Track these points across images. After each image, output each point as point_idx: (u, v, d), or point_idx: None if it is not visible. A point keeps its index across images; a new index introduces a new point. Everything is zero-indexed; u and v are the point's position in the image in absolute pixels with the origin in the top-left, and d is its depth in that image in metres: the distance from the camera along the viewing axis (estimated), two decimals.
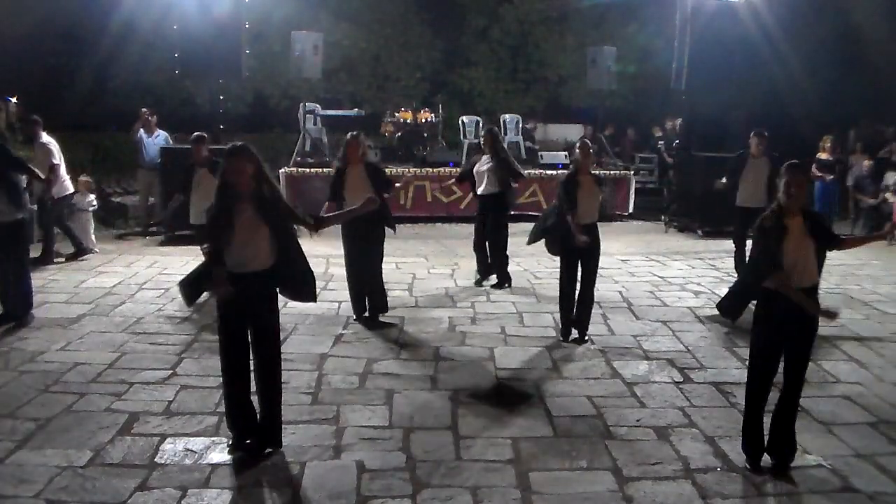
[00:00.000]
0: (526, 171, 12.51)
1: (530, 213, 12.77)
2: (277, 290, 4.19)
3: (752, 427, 4.20)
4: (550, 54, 18.45)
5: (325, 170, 11.43)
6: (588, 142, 6.44)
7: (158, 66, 15.46)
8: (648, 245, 10.93)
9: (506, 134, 15.39)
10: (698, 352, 6.12)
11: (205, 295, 4.55)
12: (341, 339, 6.29)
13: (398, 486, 3.95)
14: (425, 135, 14.30)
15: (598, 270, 6.48)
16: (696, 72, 12.06)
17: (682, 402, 5.12)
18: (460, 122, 15.52)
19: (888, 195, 11.73)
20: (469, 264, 8.76)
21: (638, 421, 4.80)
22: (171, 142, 11.54)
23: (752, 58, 12.30)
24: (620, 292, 7.95)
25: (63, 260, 9.15)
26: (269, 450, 4.25)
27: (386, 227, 6.69)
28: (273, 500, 3.83)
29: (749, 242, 8.13)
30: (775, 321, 4.03)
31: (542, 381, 5.45)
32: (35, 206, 8.86)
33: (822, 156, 12.30)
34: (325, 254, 8.67)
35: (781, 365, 4.13)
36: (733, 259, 8.47)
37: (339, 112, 15.64)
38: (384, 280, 6.95)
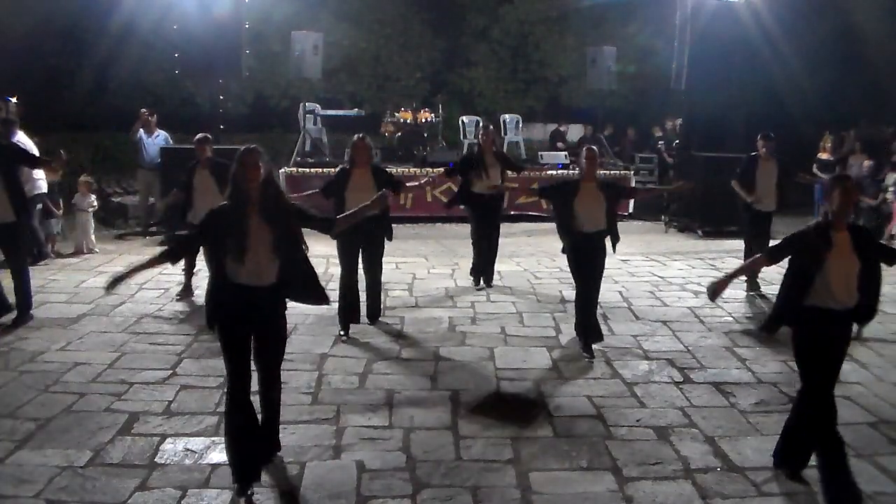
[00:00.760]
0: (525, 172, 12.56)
1: (530, 213, 12.82)
2: (287, 297, 4.04)
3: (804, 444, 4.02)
4: (550, 54, 18.45)
5: (325, 170, 11.42)
6: (595, 149, 6.15)
7: (158, 66, 15.45)
8: (648, 245, 10.93)
9: (506, 134, 15.43)
10: (698, 352, 6.13)
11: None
12: (341, 339, 6.28)
13: (398, 486, 3.95)
14: (425, 135, 14.32)
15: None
16: (696, 72, 12.06)
17: (682, 402, 5.12)
18: (460, 122, 15.53)
19: (888, 195, 11.72)
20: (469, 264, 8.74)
21: (638, 421, 4.80)
22: (171, 142, 11.53)
23: (752, 58, 12.30)
24: (620, 292, 7.95)
25: (53, 257, 9.15)
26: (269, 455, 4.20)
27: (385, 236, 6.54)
28: (273, 500, 3.84)
29: (748, 243, 8.19)
30: (820, 337, 3.87)
31: (542, 381, 5.45)
32: None
33: (823, 156, 12.30)
34: (325, 254, 8.64)
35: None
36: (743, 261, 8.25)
37: (339, 112, 15.66)
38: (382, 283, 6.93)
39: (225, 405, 3.97)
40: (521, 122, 15.87)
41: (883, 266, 3.93)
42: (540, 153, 14.14)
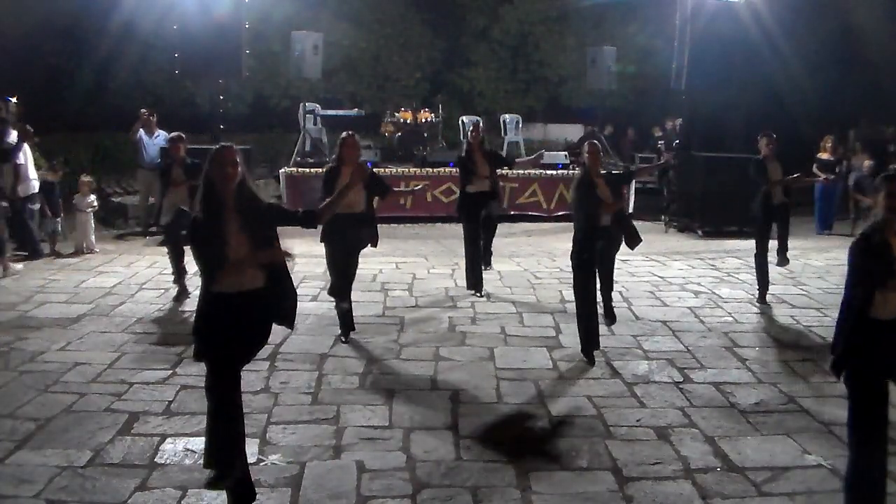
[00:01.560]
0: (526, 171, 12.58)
1: (530, 213, 12.82)
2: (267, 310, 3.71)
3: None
4: (550, 54, 18.47)
5: (325, 170, 11.41)
6: (596, 143, 6.08)
7: (158, 66, 15.47)
8: (648, 245, 10.89)
9: (506, 134, 15.43)
10: (698, 352, 6.12)
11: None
12: (341, 340, 6.28)
13: (398, 486, 3.95)
14: (425, 135, 14.32)
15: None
16: (696, 72, 12.06)
17: (682, 402, 5.11)
18: (460, 122, 15.53)
19: None
20: None
21: (638, 421, 4.79)
22: None
23: (752, 58, 12.29)
24: (620, 292, 7.93)
25: (53, 258, 9.14)
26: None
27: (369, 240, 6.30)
28: (273, 500, 3.83)
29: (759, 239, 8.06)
30: (880, 353, 3.49)
31: (542, 381, 5.45)
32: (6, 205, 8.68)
33: (823, 156, 12.30)
34: (324, 253, 8.65)
35: None
36: (754, 258, 7.89)
37: (339, 112, 15.65)
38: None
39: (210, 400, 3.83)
40: (521, 122, 15.87)
41: None
42: (541, 151, 14.13)
